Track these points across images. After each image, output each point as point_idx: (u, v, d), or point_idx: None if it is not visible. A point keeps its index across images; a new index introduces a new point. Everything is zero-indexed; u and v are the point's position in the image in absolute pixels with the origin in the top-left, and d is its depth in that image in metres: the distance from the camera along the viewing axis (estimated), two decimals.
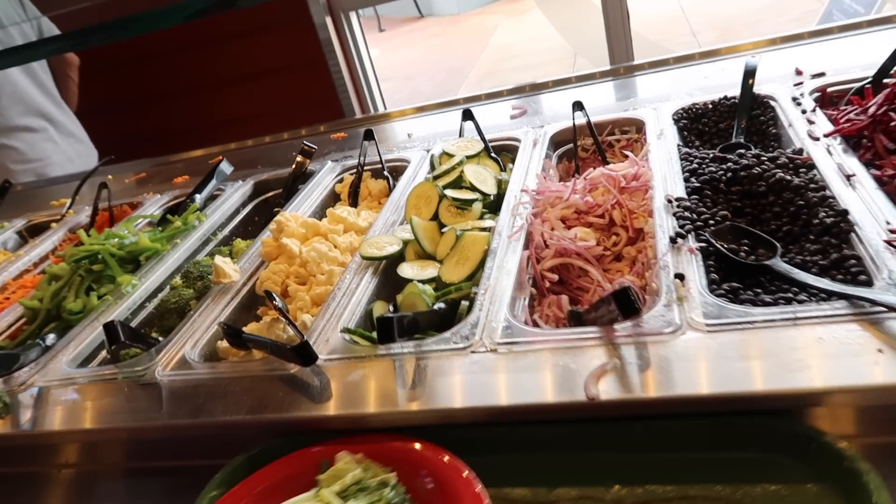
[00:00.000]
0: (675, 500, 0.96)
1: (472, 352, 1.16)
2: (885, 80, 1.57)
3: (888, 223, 1.17)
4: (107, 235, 1.95)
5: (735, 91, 1.84)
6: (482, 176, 1.71)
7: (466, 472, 1.00)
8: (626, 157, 1.90)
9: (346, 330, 1.31)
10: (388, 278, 1.53)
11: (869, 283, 1.09)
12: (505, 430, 1.08)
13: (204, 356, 1.42)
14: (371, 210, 1.91)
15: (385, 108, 4.60)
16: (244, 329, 1.41)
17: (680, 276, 1.17)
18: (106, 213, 2.39)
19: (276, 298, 1.40)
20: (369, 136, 2.14)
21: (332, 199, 2.08)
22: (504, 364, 1.11)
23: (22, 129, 3.15)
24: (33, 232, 2.54)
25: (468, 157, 1.81)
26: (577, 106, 1.91)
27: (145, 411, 1.27)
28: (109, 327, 1.33)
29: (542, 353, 1.11)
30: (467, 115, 2.07)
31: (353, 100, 4.40)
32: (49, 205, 2.66)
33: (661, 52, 2.48)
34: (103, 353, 1.59)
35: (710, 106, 1.85)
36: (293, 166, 2.19)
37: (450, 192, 1.63)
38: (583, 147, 1.93)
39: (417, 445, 1.08)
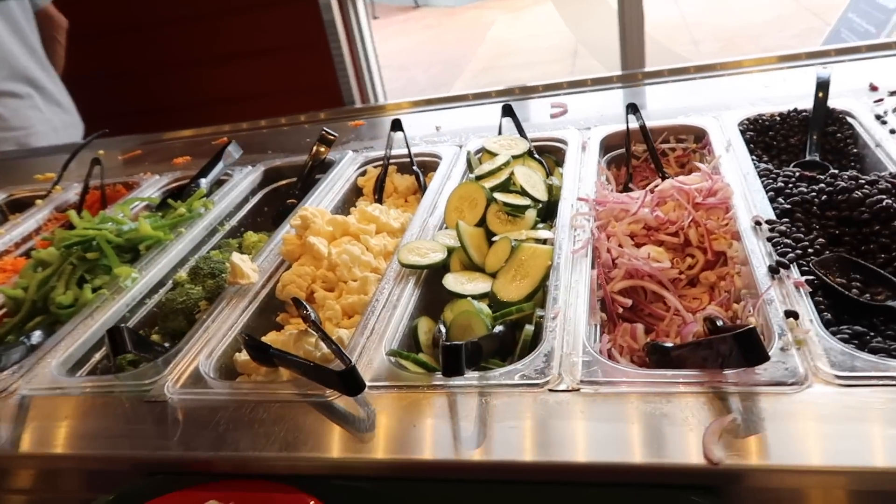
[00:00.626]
0: None
1: (551, 390, 0.99)
2: None
3: None
4: (102, 219, 1.74)
5: (801, 104, 1.70)
6: (532, 180, 1.54)
7: None
8: (683, 167, 1.77)
9: (394, 353, 1.13)
10: (430, 290, 1.35)
11: None
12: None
13: (219, 370, 1.23)
14: (400, 209, 1.72)
15: (385, 97, 4.41)
16: (263, 339, 1.22)
17: (793, 315, 1.02)
18: (97, 192, 2.17)
19: (309, 309, 1.21)
20: (397, 126, 1.95)
21: (355, 193, 1.90)
22: (590, 408, 0.94)
23: (6, 95, 2.90)
24: (14, 207, 2.31)
25: (513, 158, 1.64)
26: (632, 108, 1.75)
27: (153, 437, 1.07)
28: (115, 334, 1.13)
29: (632, 398, 0.95)
30: (507, 111, 1.90)
31: (354, 86, 4.20)
32: (32, 178, 2.42)
33: (673, 59, 2.36)
34: (97, 356, 1.39)
35: (779, 118, 1.70)
36: (310, 154, 1.99)
37: (500, 196, 1.46)
38: (633, 154, 1.76)
39: (295, 495, 0.93)
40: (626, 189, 1.65)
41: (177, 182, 2.13)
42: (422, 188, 1.81)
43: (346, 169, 1.95)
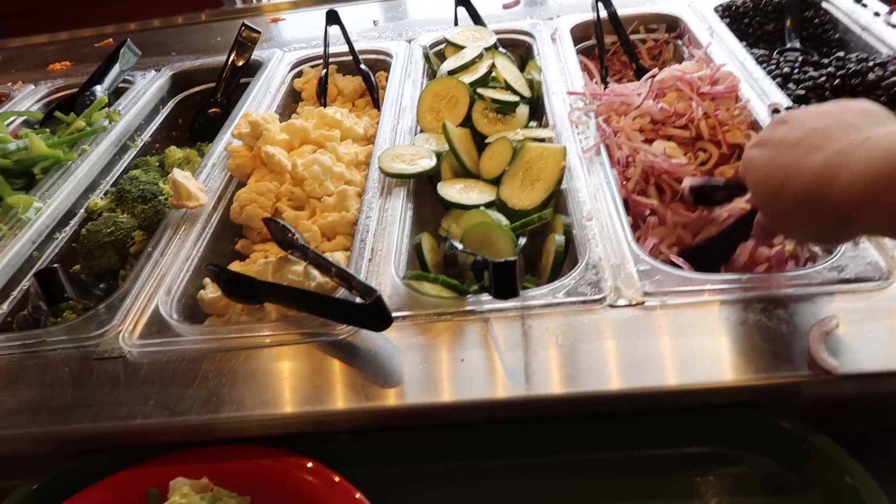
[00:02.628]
0: None
1: (611, 306, 0.86)
2: None
3: None
4: None
5: None
6: (514, 74, 1.36)
7: (359, 495, 0.72)
8: (656, 60, 1.65)
9: (415, 275, 0.95)
10: (418, 203, 1.16)
11: None
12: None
13: (182, 314, 0.99)
14: (353, 114, 1.49)
15: None
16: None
17: None
18: None
19: (295, 231, 0.99)
20: (333, 18, 1.68)
21: (293, 98, 1.63)
22: (662, 324, 0.82)
23: None
24: None
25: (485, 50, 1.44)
26: None
27: (111, 404, 0.84)
28: (47, 277, 0.87)
29: (707, 308, 0.83)
30: (461, 0, 1.67)
31: None
32: None
33: None
34: (4, 306, 1.10)
35: (751, 4, 1.61)
36: (230, 54, 1.68)
37: (485, 92, 1.27)
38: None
39: (291, 461, 0.77)
40: (604, 84, 1.51)
41: (59, 92, 1.75)
42: (373, 90, 1.57)
43: (276, 70, 1.66)
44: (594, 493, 0.76)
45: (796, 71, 1.26)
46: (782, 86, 1.24)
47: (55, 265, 0.90)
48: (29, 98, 1.73)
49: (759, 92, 1.23)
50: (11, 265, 1.14)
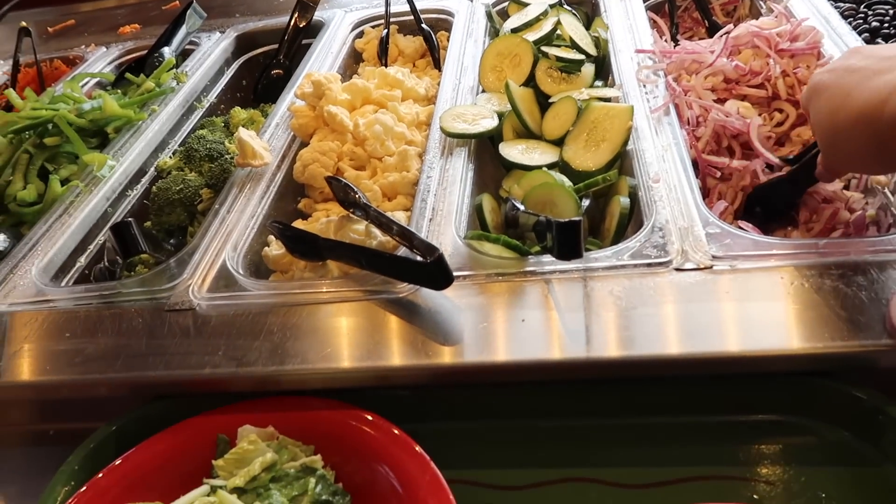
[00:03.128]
0: None
1: (677, 269, 0.83)
2: None
3: None
4: (52, 98, 1.44)
5: None
6: (580, 32, 1.32)
7: (418, 450, 0.73)
8: (730, 16, 1.57)
9: (476, 235, 0.94)
10: (479, 163, 1.15)
11: None
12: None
13: (248, 269, 1.02)
14: (414, 74, 1.48)
15: None
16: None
17: None
18: (31, 69, 1.82)
19: (357, 190, 1.00)
20: None
21: (354, 59, 1.63)
22: (731, 288, 0.80)
23: None
24: None
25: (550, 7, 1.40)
26: None
27: (183, 353, 0.87)
28: (123, 230, 0.90)
29: (778, 273, 0.80)
30: None
31: None
32: None
33: None
34: (82, 260, 1.15)
35: None
36: (293, 14, 1.68)
37: (550, 51, 1.24)
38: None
39: (353, 414, 0.79)
40: (674, 42, 1.45)
41: (130, 55, 1.80)
42: (434, 50, 1.55)
43: (337, 31, 1.66)
44: (654, 458, 0.75)
45: (886, 25, 1.18)
46: (870, 42, 1.16)
47: (129, 219, 0.94)
48: (101, 60, 1.78)
49: (845, 48, 1.16)
50: (88, 220, 1.19)
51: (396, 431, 0.75)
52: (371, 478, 0.74)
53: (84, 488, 0.76)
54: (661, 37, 1.38)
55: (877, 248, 0.80)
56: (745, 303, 0.78)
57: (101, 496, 0.75)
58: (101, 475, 0.77)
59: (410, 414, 0.80)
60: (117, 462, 0.78)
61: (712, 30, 1.42)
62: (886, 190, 0.97)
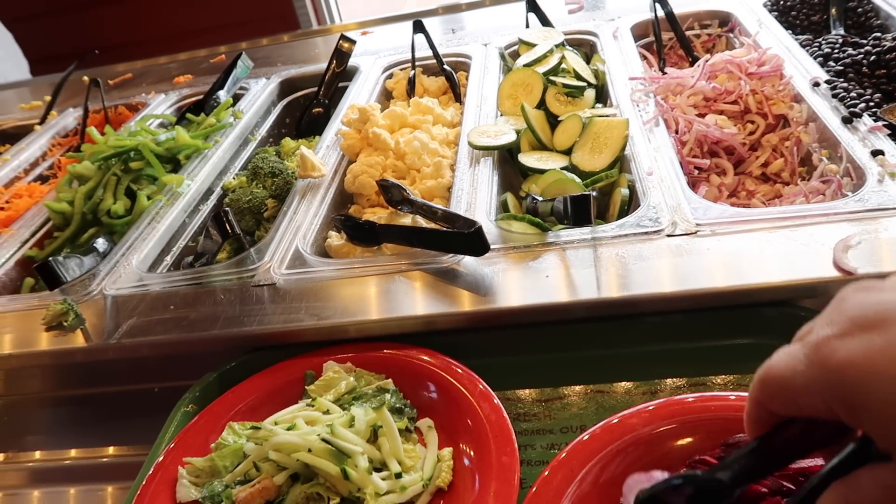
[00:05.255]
0: None
1: (669, 235, 1.04)
2: None
3: None
4: (130, 133, 1.67)
5: None
6: (581, 65, 1.56)
7: (469, 374, 0.93)
8: (710, 52, 1.82)
9: (506, 217, 1.15)
10: (503, 171, 1.37)
11: None
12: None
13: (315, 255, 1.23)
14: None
15: (341, 18, 4.27)
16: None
17: (879, 153, 1.09)
18: (98, 115, 2.07)
19: (405, 188, 1.22)
20: (419, 27, 1.92)
21: (385, 97, 1.87)
22: (714, 246, 1.00)
23: None
24: (3, 138, 2.18)
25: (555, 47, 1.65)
26: None
27: (271, 314, 1.07)
28: (222, 217, 1.11)
29: (752, 234, 1.01)
30: (532, 6, 1.89)
31: (309, 7, 4.05)
32: (17, 108, 2.28)
33: None
34: (168, 259, 1.36)
35: None
36: (331, 61, 1.94)
37: (557, 79, 1.48)
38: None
39: (415, 352, 0.98)
40: (661, 73, 1.69)
41: (186, 99, 2.05)
42: (455, 86, 1.80)
43: (370, 73, 1.92)
44: (656, 374, 0.94)
45: (836, 51, 1.42)
46: (823, 64, 1.40)
47: (226, 208, 1.15)
48: (162, 105, 2.03)
49: (802, 70, 1.39)
50: (171, 228, 1.41)
51: (448, 361, 0.94)
52: (428, 396, 0.93)
53: (201, 413, 0.95)
54: (650, 67, 1.63)
55: (828, 212, 1.01)
56: (726, 256, 0.98)
57: (216, 419, 0.94)
58: (213, 403, 0.96)
59: (461, 353, 0.99)
60: (226, 395, 0.97)
61: (694, 63, 1.66)
62: None
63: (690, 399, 0.80)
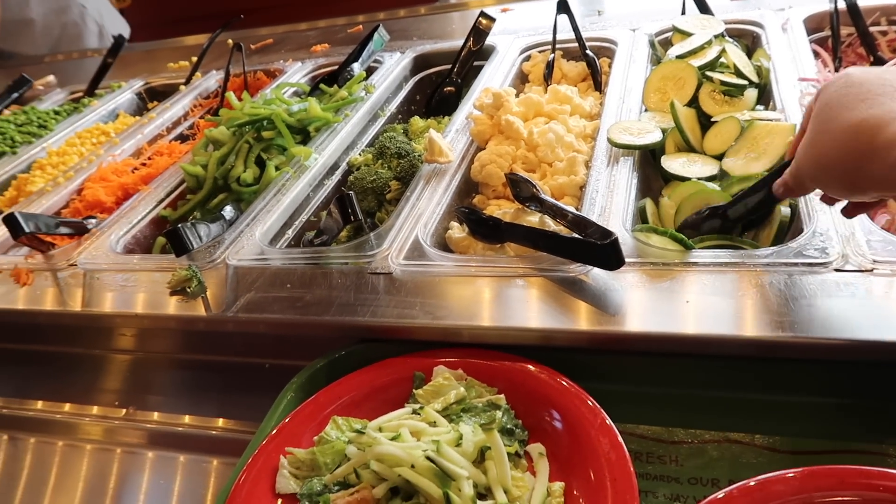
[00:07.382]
0: None
1: (837, 269, 0.90)
2: None
3: None
4: (265, 101, 1.69)
5: None
6: (743, 60, 1.41)
7: (590, 401, 0.83)
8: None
9: (644, 228, 1.05)
10: (642, 173, 1.26)
11: None
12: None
13: (434, 247, 1.18)
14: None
15: None
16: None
17: None
18: (238, 78, 2.13)
19: (535, 184, 1.14)
20: (563, 7, 1.81)
21: (521, 80, 1.79)
22: (894, 289, 0.86)
23: None
24: (152, 95, 2.29)
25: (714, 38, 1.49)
26: None
27: (382, 306, 1.04)
28: (345, 201, 1.09)
29: None
30: None
31: None
32: (166, 67, 2.39)
33: None
34: (289, 232, 1.36)
35: None
36: (468, 38, 1.87)
37: (715, 75, 1.33)
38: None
39: (530, 367, 0.90)
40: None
41: (322, 69, 2.06)
42: (597, 74, 1.68)
43: (507, 54, 1.83)
44: (802, 431, 0.82)
45: None
46: None
47: (350, 192, 1.12)
48: (298, 73, 2.05)
49: None
50: (295, 201, 1.41)
51: (566, 382, 0.87)
52: (542, 420, 0.86)
53: (307, 402, 0.93)
54: (825, 67, 1.44)
55: None
56: None
57: (320, 409, 0.92)
58: (320, 393, 0.94)
59: (577, 374, 0.92)
60: (333, 385, 0.95)
61: (877, 64, 1.45)
62: None
63: (854, 471, 0.69)
